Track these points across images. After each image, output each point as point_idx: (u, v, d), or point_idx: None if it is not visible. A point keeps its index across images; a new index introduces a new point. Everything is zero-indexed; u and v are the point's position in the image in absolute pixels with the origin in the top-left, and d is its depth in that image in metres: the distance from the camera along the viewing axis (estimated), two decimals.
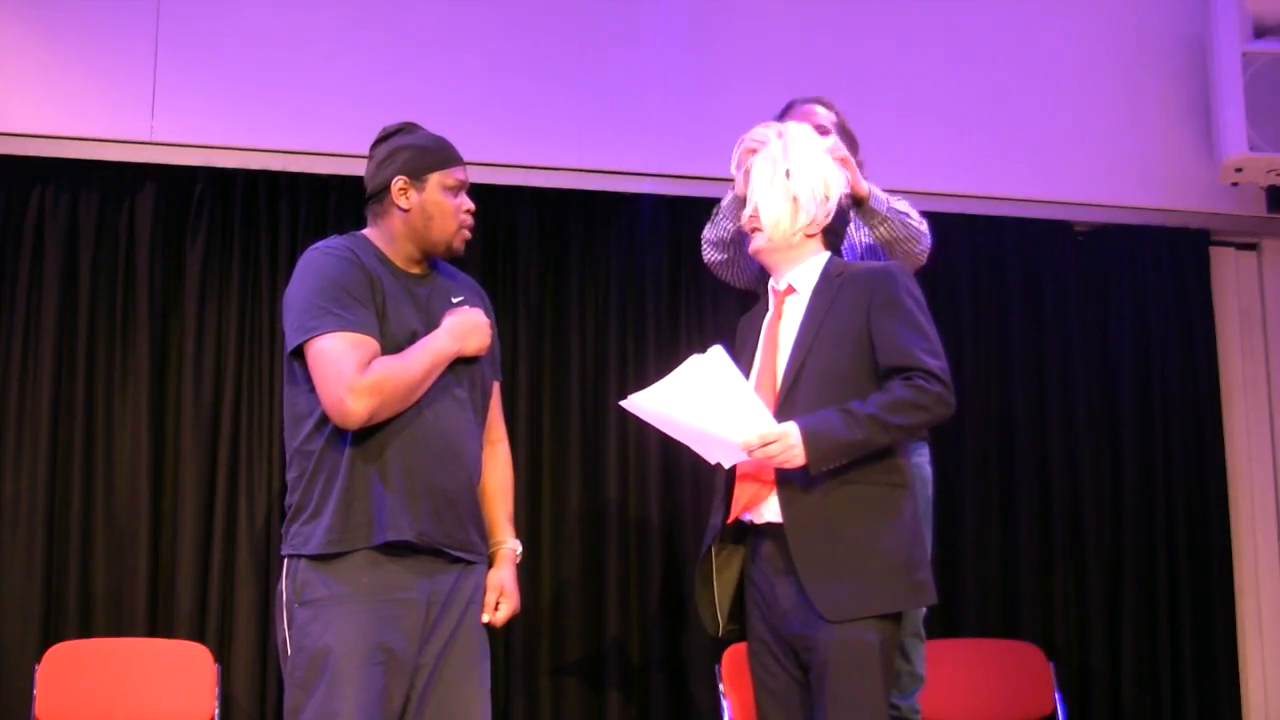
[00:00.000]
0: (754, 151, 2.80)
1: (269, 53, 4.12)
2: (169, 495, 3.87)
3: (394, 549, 2.54)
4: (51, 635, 3.71)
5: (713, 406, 2.55)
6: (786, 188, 2.69)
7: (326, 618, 2.51)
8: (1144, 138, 4.69)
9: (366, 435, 2.55)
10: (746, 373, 2.66)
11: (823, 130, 3.15)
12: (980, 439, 4.43)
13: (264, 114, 4.09)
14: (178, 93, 4.03)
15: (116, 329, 3.91)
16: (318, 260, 2.65)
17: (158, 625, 3.79)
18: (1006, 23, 4.67)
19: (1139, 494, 4.51)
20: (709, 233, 3.15)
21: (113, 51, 4.02)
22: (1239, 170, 4.37)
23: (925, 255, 3.10)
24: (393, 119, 2.81)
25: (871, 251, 3.15)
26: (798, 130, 2.81)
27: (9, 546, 3.75)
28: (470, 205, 2.76)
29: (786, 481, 2.57)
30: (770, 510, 2.60)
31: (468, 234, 2.76)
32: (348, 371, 2.50)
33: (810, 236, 2.73)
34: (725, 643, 3.54)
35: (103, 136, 3.98)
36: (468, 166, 2.78)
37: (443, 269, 2.81)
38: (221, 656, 3.74)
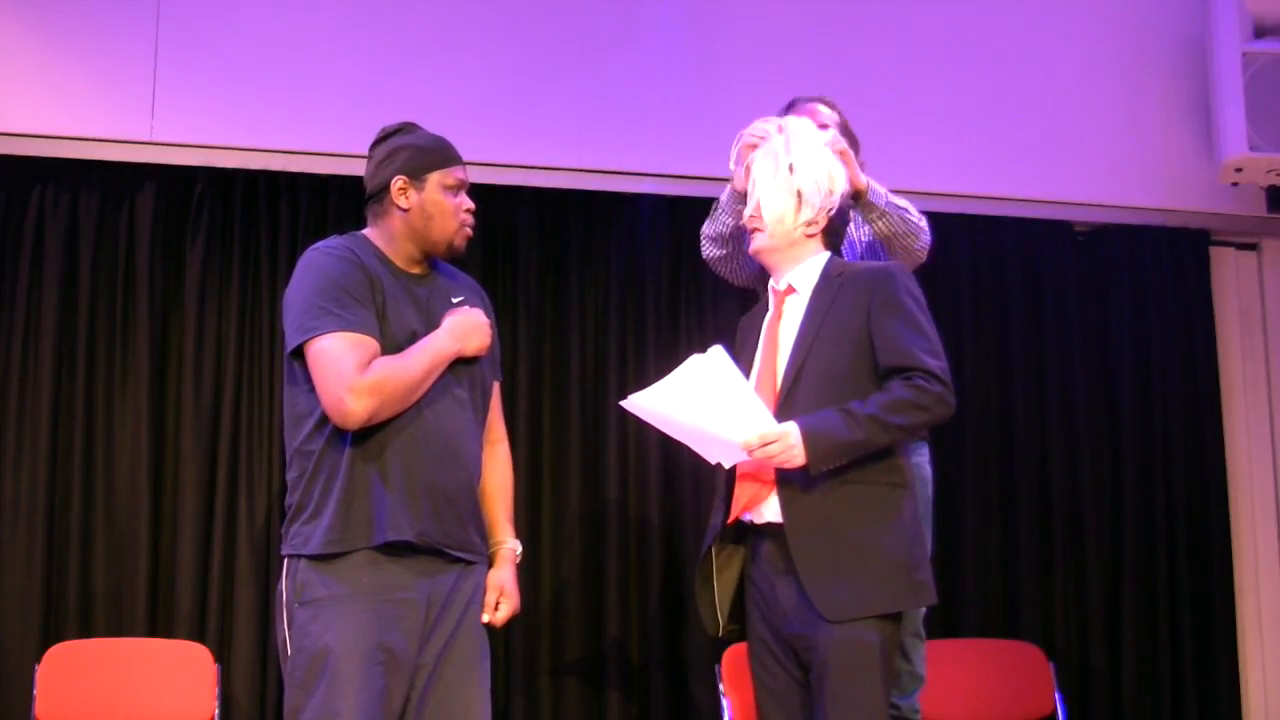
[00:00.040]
0: (754, 147, 2.79)
1: (269, 53, 4.12)
2: (169, 495, 3.87)
3: (394, 549, 2.54)
4: (51, 635, 3.71)
5: (713, 406, 2.55)
6: (790, 182, 2.69)
7: (326, 618, 2.51)
8: (1144, 138, 4.69)
9: (366, 435, 2.55)
10: (746, 373, 2.66)
11: (825, 130, 3.15)
12: (980, 439, 4.43)
13: (264, 114, 4.09)
14: (178, 93, 4.03)
15: (116, 329, 3.91)
16: (318, 260, 2.65)
17: (158, 625, 3.79)
18: (1006, 23, 4.67)
19: (1139, 494, 4.51)
20: (708, 228, 3.15)
21: (113, 51, 4.02)
22: (1239, 170, 4.37)
23: (925, 252, 3.10)
24: (393, 119, 2.81)
25: (871, 250, 3.15)
26: (798, 124, 2.81)
27: (9, 546, 3.75)
28: (470, 204, 2.76)
29: (786, 481, 2.57)
30: (770, 510, 2.60)
31: (469, 232, 2.76)
32: (348, 371, 2.50)
33: (810, 236, 2.73)
34: (725, 643, 3.54)
35: (103, 136, 3.98)
36: (467, 166, 2.78)
37: (443, 269, 2.81)
38: (221, 656, 3.74)
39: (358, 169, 2.89)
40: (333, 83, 4.13)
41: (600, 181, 4.31)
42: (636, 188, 4.32)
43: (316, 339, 2.55)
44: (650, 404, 2.63)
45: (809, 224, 2.70)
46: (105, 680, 3.59)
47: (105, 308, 3.92)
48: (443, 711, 2.59)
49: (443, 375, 2.62)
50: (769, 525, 2.61)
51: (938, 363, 2.58)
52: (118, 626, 3.76)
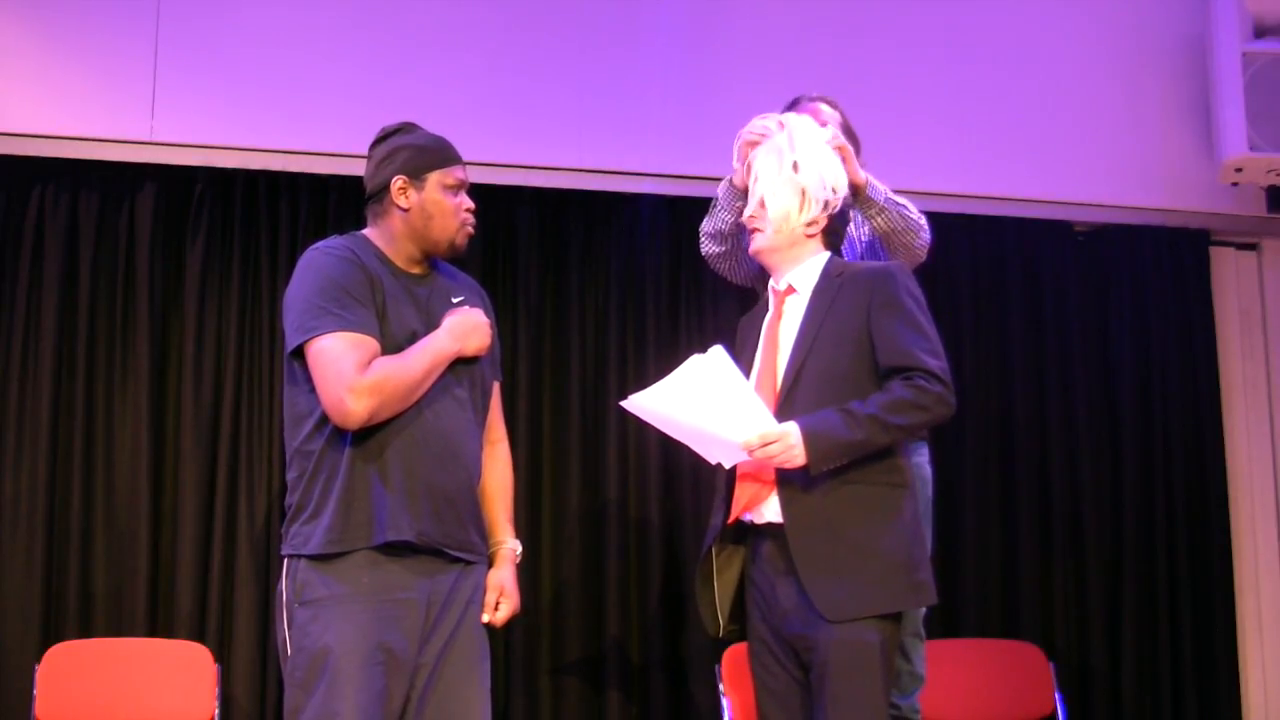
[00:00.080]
0: (754, 144, 2.79)
1: (269, 53, 4.12)
2: (169, 495, 3.87)
3: (394, 549, 2.54)
4: (51, 635, 3.71)
5: (713, 406, 2.55)
6: (795, 180, 2.69)
7: (326, 618, 2.51)
8: (1144, 138, 4.69)
9: (366, 435, 2.55)
10: (747, 373, 2.66)
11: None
12: (980, 439, 4.43)
13: (264, 114, 4.09)
14: (178, 93, 4.04)
15: (116, 329, 3.91)
16: (318, 260, 2.65)
17: (158, 625, 3.79)
18: (1006, 23, 4.67)
19: (1139, 494, 4.51)
20: (707, 225, 3.15)
21: (113, 51, 4.02)
22: (1239, 170, 4.37)
23: (925, 250, 3.09)
24: (393, 119, 2.81)
25: (872, 250, 3.15)
26: (800, 121, 2.81)
27: (9, 546, 3.75)
28: (470, 204, 2.76)
29: (787, 481, 2.56)
30: (770, 510, 2.60)
31: (469, 231, 2.76)
32: (348, 371, 2.50)
33: (810, 236, 2.73)
34: (725, 643, 3.54)
35: (103, 136, 3.98)
36: (467, 166, 2.78)
37: (443, 269, 2.81)
38: (221, 656, 3.74)
39: (358, 169, 2.89)
40: (333, 83, 4.13)
41: (600, 181, 4.31)
42: (636, 188, 4.32)
43: (316, 339, 2.55)
44: (650, 404, 2.63)
45: (810, 223, 2.70)
46: (105, 680, 3.59)
47: (105, 308, 3.92)
48: (443, 711, 2.59)
49: (443, 375, 2.62)
50: (769, 525, 2.61)
51: (938, 363, 2.58)
52: (118, 626, 3.76)
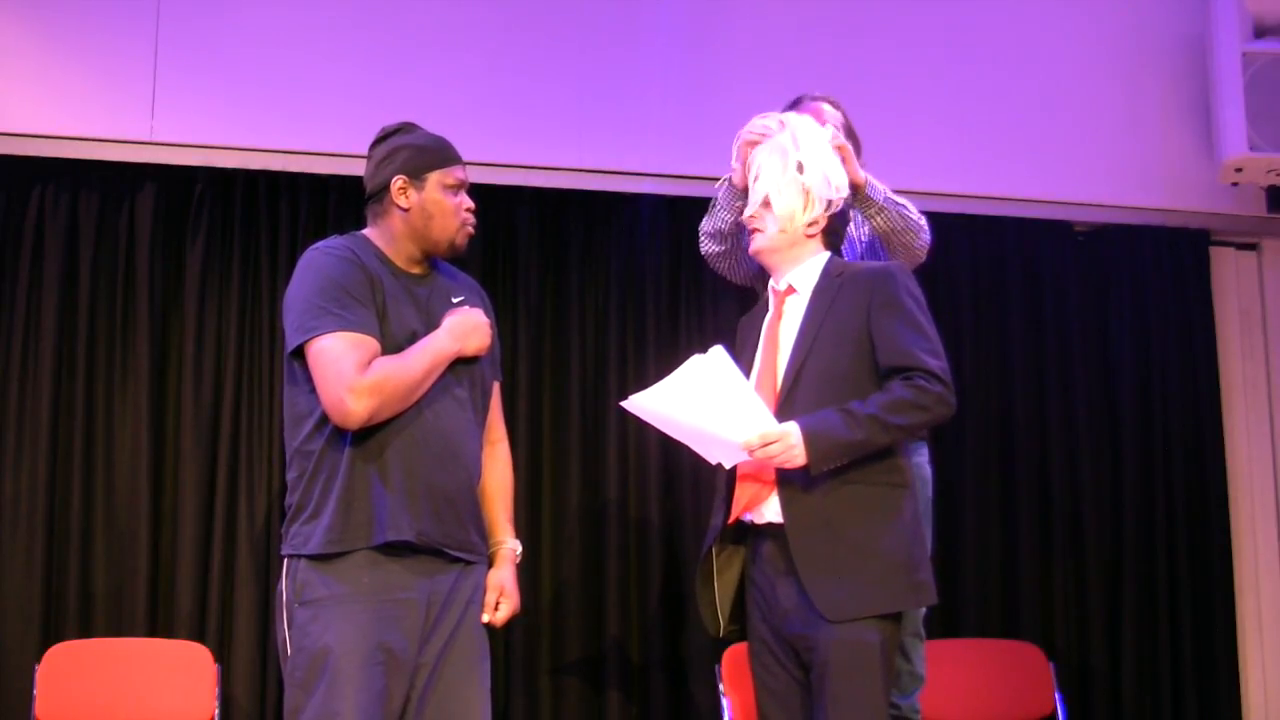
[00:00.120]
0: (755, 144, 2.79)
1: (269, 53, 4.12)
2: (169, 495, 3.87)
3: (394, 549, 2.54)
4: (51, 635, 3.71)
5: (713, 406, 2.55)
6: (799, 180, 2.69)
7: (326, 618, 2.51)
8: (1144, 138, 4.69)
9: (366, 435, 2.55)
10: (747, 373, 2.66)
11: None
12: (980, 439, 4.43)
13: (264, 114, 4.09)
14: (178, 93, 4.03)
15: (116, 329, 3.91)
16: (318, 260, 2.65)
17: (158, 625, 3.79)
18: (1006, 23, 4.67)
19: (1139, 494, 4.51)
20: (706, 225, 3.15)
21: (113, 51, 4.02)
22: (1239, 170, 4.37)
23: (925, 251, 3.10)
24: (393, 119, 2.81)
25: (872, 250, 3.15)
26: (801, 121, 2.81)
27: (9, 546, 3.75)
28: (470, 204, 2.76)
29: (787, 482, 2.57)
30: (771, 510, 2.60)
31: (469, 232, 2.76)
32: (348, 371, 2.50)
33: (810, 236, 2.73)
34: (725, 643, 3.54)
35: (103, 136, 3.98)
36: (467, 166, 2.78)
37: (443, 269, 2.81)
38: (221, 656, 3.74)
39: (358, 169, 2.89)
40: (333, 83, 4.13)
41: (600, 181, 4.31)
42: (636, 188, 4.32)
43: (317, 339, 2.55)
44: (651, 404, 2.63)
45: (811, 223, 2.71)
46: (105, 680, 3.59)
47: (105, 308, 3.92)
48: (443, 711, 2.59)
49: (443, 375, 2.62)
50: (769, 525, 2.61)
51: (938, 363, 2.58)
52: (118, 626, 3.76)
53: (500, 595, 2.73)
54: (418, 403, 2.58)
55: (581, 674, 4.05)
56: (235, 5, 4.11)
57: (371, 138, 2.79)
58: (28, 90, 3.96)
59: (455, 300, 2.75)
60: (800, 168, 2.69)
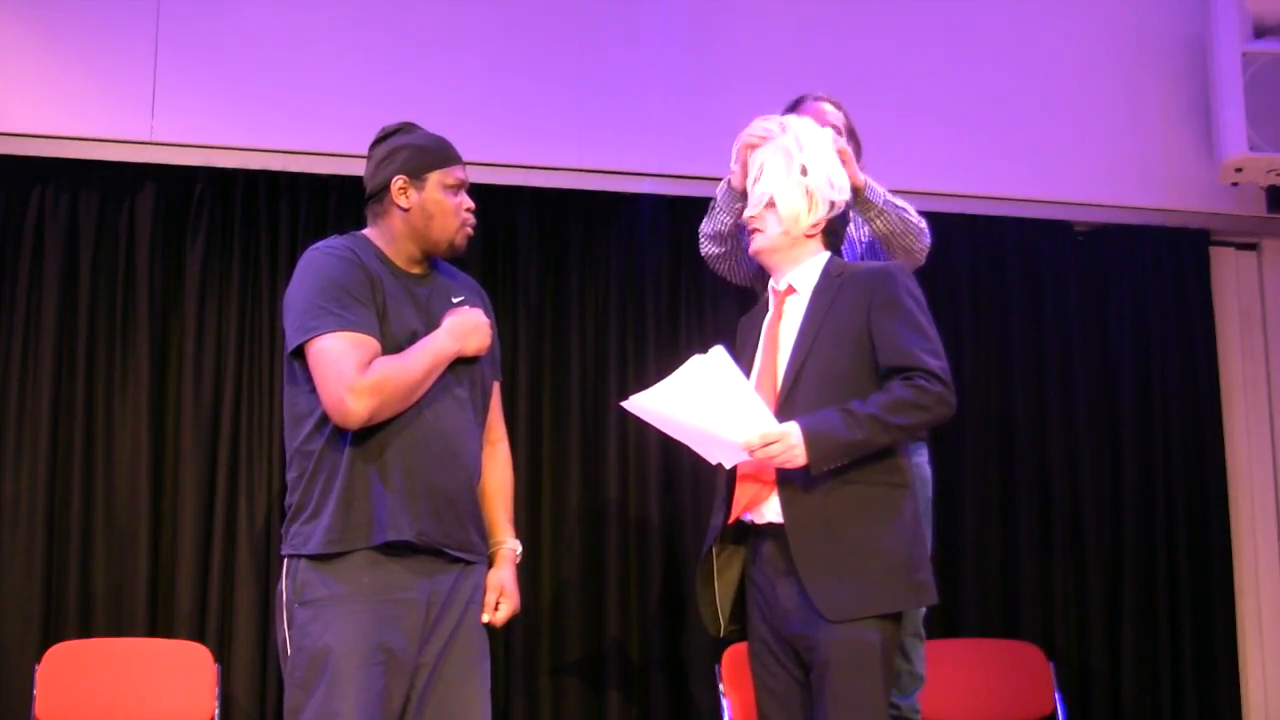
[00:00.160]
0: (754, 147, 2.79)
1: (269, 53, 4.12)
2: (169, 495, 3.87)
3: (394, 549, 2.54)
4: (51, 635, 3.70)
5: (714, 407, 2.55)
6: (803, 183, 2.69)
7: (326, 618, 2.51)
8: (1144, 138, 4.69)
9: (366, 435, 2.55)
10: (747, 373, 2.66)
11: (834, 131, 3.16)
12: (980, 439, 4.42)
13: (264, 114, 4.09)
14: (178, 93, 4.03)
15: (116, 329, 3.91)
16: (318, 260, 2.65)
17: (158, 625, 3.79)
18: (1006, 23, 4.67)
19: (1139, 494, 4.51)
20: (706, 226, 3.15)
21: (113, 51, 4.02)
22: (1239, 170, 4.37)
23: (924, 254, 3.10)
24: (393, 119, 2.81)
25: (872, 250, 3.15)
26: (803, 124, 2.81)
27: (9, 546, 3.75)
28: (470, 204, 2.76)
29: (787, 482, 2.57)
30: (771, 510, 2.60)
31: (469, 232, 2.76)
32: (348, 371, 2.50)
33: (811, 236, 2.73)
34: (725, 643, 3.54)
35: (103, 136, 3.98)
36: (467, 166, 2.79)
37: (443, 269, 2.81)
38: (221, 656, 3.74)
39: (358, 169, 2.89)
40: (333, 83, 4.13)
41: (600, 181, 4.31)
42: (636, 188, 4.32)
43: (317, 339, 2.55)
44: (651, 404, 2.63)
45: (814, 225, 2.71)
46: (105, 680, 3.59)
47: (105, 308, 3.92)
48: (443, 711, 2.59)
49: (443, 375, 2.62)
50: (770, 525, 2.61)
51: (938, 363, 2.58)
52: (118, 626, 3.76)
53: (500, 595, 2.73)
54: (418, 403, 2.58)
55: (581, 674, 4.05)
56: (235, 5, 4.11)
57: (371, 138, 2.79)
58: (28, 90, 3.96)
59: (455, 300, 2.75)
60: (804, 170, 2.70)
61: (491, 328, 2.76)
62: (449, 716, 2.60)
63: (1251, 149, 4.28)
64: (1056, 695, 4.02)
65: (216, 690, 3.63)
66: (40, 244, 3.91)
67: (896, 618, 2.57)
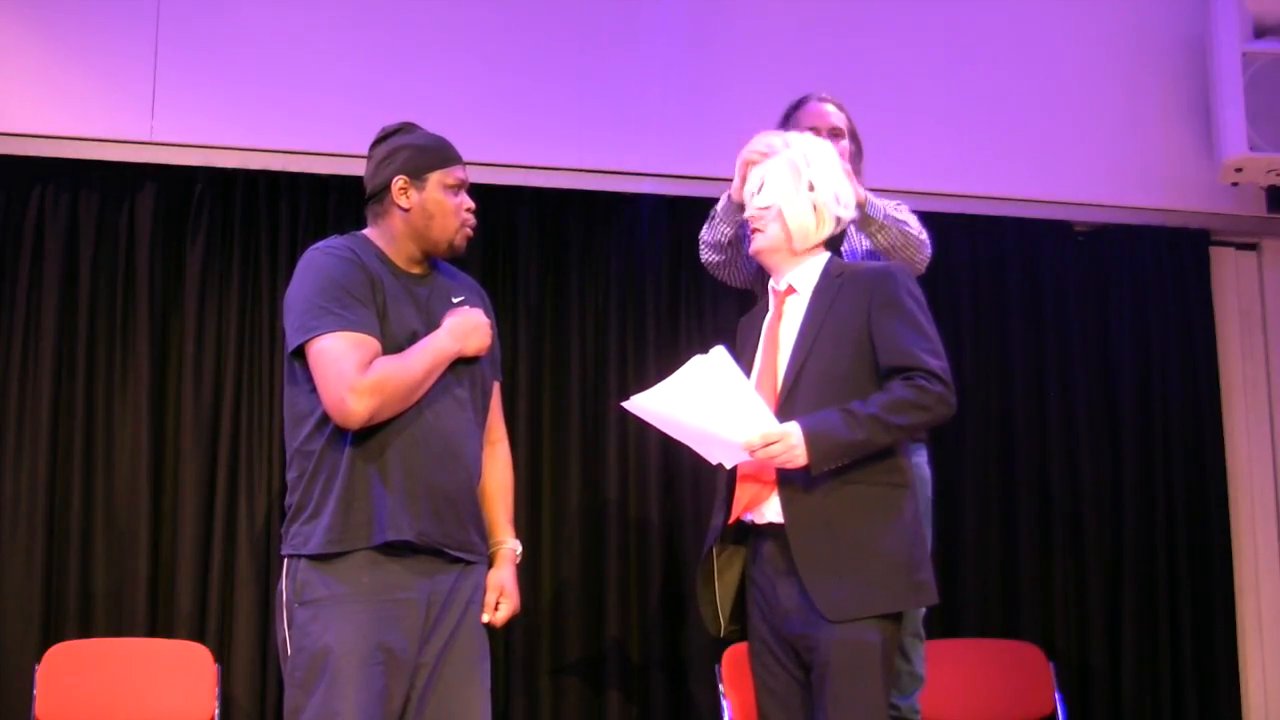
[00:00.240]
0: (755, 164, 2.79)
1: (269, 53, 4.12)
2: (169, 495, 3.87)
3: (394, 549, 2.54)
4: (51, 635, 3.70)
5: (714, 407, 2.55)
6: (810, 198, 2.70)
7: (326, 618, 2.51)
8: (1144, 138, 4.68)
9: (366, 435, 2.55)
10: (747, 373, 2.67)
11: (836, 132, 3.17)
12: (980, 439, 4.42)
13: (264, 114, 4.09)
14: (178, 93, 4.03)
15: (116, 329, 3.91)
16: (318, 260, 2.65)
17: (158, 625, 3.79)
18: (1006, 23, 4.67)
19: (1139, 494, 4.51)
20: (706, 234, 3.16)
21: (113, 51, 4.02)
22: (1239, 170, 4.37)
23: (925, 264, 3.11)
24: (393, 119, 2.81)
25: (871, 256, 3.15)
26: (808, 140, 2.81)
27: (9, 546, 3.75)
28: (471, 204, 2.76)
29: (787, 482, 2.57)
30: (771, 510, 2.61)
31: (469, 232, 2.76)
32: (349, 371, 2.50)
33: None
34: (725, 642, 3.54)
35: (103, 136, 3.98)
36: (467, 166, 2.79)
37: (443, 269, 2.81)
38: (221, 656, 3.74)
39: (358, 169, 2.89)
40: (333, 83, 4.13)
41: (600, 181, 4.31)
42: (636, 188, 4.32)
43: (317, 339, 2.55)
44: (652, 405, 2.63)
45: (821, 241, 2.73)
46: (105, 680, 3.59)
47: (105, 308, 3.92)
48: (443, 711, 2.59)
49: (443, 375, 2.63)
50: (770, 525, 2.61)
51: (939, 363, 2.59)
52: (118, 626, 3.76)
53: (500, 595, 2.73)
54: (418, 403, 2.58)
55: (581, 674, 4.05)
56: (235, 5, 4.11)
57: (371, 138, 2.80)
58: (28, 90, 3.96)
59: (455, 300, 2.75)
60: (811, 186, 2.71)
61: (492, 328, 2.77)
62: (449, 716, 2.60)
63: (1251, 149, 4.28)
64: (1056, 695, 4.02)
65: (216, 690, 3.63)
66: (40, 244, 3.91)
67: (897, 618, 2.58)
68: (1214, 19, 4.39)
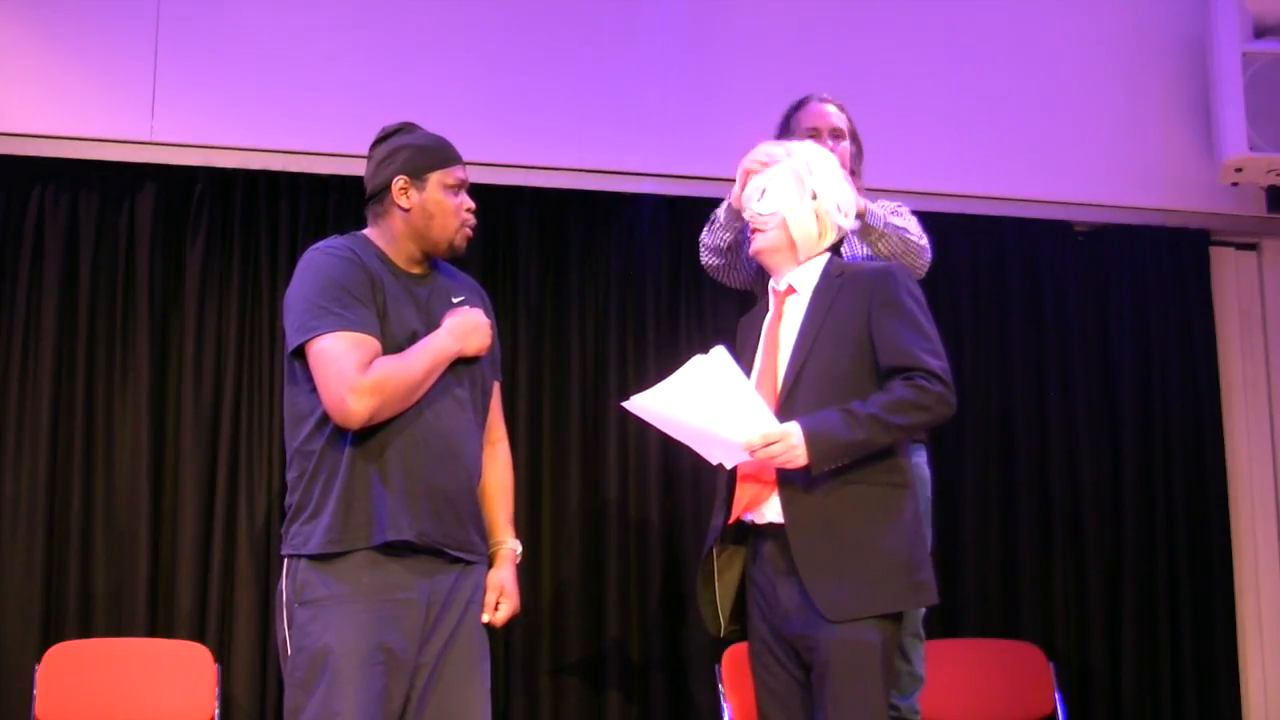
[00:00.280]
0: (756, 173, 2.79)
1: (269, 53, 4.12)
2: (169, 495, 3.87)
3: (394, 549, 2.54)
4: (51, 635, 3.70)
5: (715, 407, 2.55)
6: (813, 206, 2.71)
7: (326, 618, 2.51)
8: (1144, 138, 4.68)
9: (366, 435, 2.55)
10: (747, 373, 2.67)
11: (837, 133, 3.17)
12: (980, 439, 4.42)
13: (264, 114, 4.09)
14: (178, 93, 4.03)
15: (116, 329, 3.91)
16: (318, 260, 2.65)
17: (158, 625, 3.79)
18: (1006, 23, 4.67)
19: (1139, 494, 4.51)
20: (706, 238, 3.17)
21: (113, 51, 4.02)
22: (1239, 170, 4.37)
23: (925, 269, 3.12)
24: (393, 119, 2.81)
25: (870, 259, 3.15)
26: (810, 149, 2.82)
27: (9, 546, 3.75)
28: (471, 204, 2.76)
29: (788, 482, 2.57)
30: (771, 510, 2.61)
31: (469, 232, 2.76)
32: (349, 371, 2.50)
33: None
34: (725, 642, 3.54)
35: (103, 136, 3.98)
36: (467, 166, 2.79)
37: (443, 269, 2.81)
38: (221, 656, 3.74)
39: (358, 169, 2.90)
40: (333, 83, 4.13)
41: (600, 181, 4.31)
42: (636, 188, 4.32)
43: (317, 339, 2.55)
44: (652, 405, 2.63)
45: (825, 249, 2.74)
46: (105, 680, 3.59)
47: (105, 308, 3.92)
48: (443, 711, 2.59)
49: (443, 375, 2.63)
50: (770, 525, 2.61)
51: (939, 363, 2.59)
52: (118, 626, 3.76)
53: (500, 595, 2.73)
54: (418, 403, 2.58)
55: (581, 674, 4.05)
56: (235, 5, 4.11)
57: (371, 138, 2.80)
58: (28, 90, 3.96)
59: (455, 300, 2.75)
60: (814, 195, 2.71)
61: (492, 328, 2.77)
62: (449, 716, 2.60)
63: (1251, 149, 4.28)
64: (1056, 695, 4.02)
65: (216, 690, 3.63)
66: (40, 244, 3.91)
67: (897, 618, 2.58)
68: (1214, 19, 4.39)
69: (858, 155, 3.25)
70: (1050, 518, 4.44)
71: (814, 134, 3.18)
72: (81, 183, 3.96)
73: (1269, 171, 4.38)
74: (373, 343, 2.56)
